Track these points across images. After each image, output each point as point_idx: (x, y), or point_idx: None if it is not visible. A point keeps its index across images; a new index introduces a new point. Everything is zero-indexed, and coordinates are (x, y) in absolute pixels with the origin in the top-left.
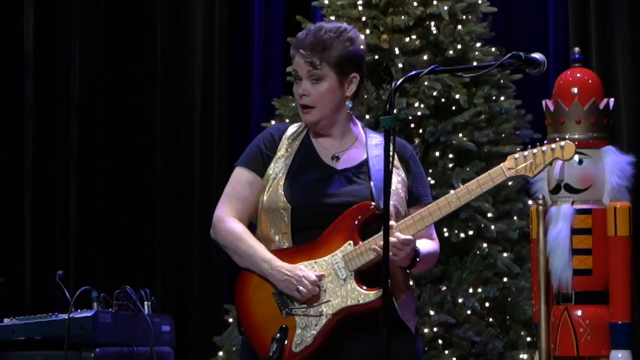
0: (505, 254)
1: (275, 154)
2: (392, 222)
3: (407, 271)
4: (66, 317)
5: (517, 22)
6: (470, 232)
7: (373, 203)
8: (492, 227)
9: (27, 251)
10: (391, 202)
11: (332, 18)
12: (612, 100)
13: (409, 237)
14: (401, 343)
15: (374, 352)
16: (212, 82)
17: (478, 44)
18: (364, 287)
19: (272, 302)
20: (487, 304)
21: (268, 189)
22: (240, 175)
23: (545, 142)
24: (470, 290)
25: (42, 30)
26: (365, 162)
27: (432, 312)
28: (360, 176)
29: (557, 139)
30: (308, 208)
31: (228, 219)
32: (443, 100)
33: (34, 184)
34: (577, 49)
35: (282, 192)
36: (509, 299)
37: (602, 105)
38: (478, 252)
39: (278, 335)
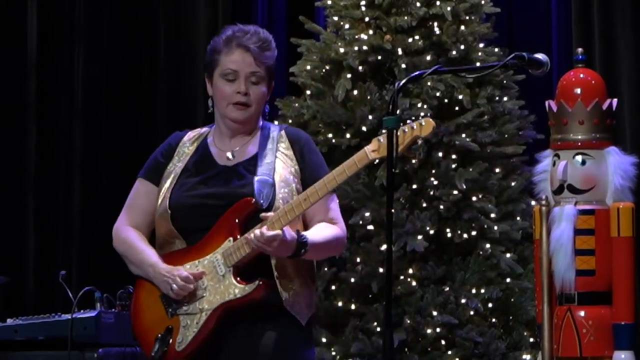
0: (508, 255)
1: (171, 160)
2: (269, 213)
3: (303, 260)
4: (69, 317)
5: (520, 23)
6: (473, 233)
7: (253, 199)
8: (495, 227)
9: (30, 251)
10: (279, 195)
11: (335, 18)
12: (615, 100)
13: (273, 233)
14: (287, 335)
15: (257, 344)
16: None
17: (481, 45)
18: (241, 281)
19: (160, 304)
20: (490, 305)
21: (161, 195)
22: (138, 186)
23: (409, 121)
24: (473, 291)
25: (46, 30)
26: (255, 156)
27: (435, 313)
28: (250, 169)
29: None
30: (188, 210)
31: (123, 229)
32: (446, 100)
33: (37, 183)
34: (580, 50)
35: (168, 196)
36: (512, 300)
37: (605, 106)
38: (481, 252)
39: (161, 334)
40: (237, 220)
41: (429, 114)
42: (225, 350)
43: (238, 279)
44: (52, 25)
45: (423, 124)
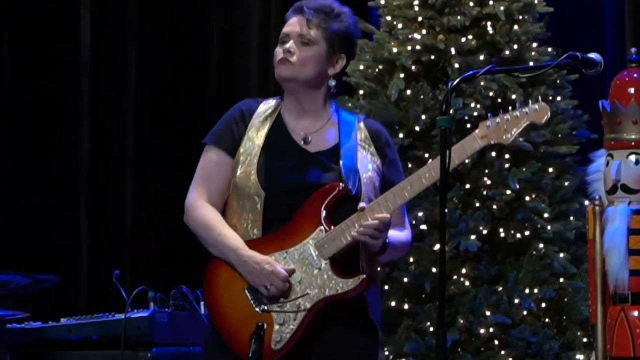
0: (561, 255)
1: (246, 132)
2: (363, 203)
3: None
4: (123, 316)
5: (573, 22)
6: (527, 233)
7: (341, 184)
8: (549, 227)
9: (83, 251)
10: (365, 193)
11: (389, 18)
12: None
13: (387, 215)
14: (367, 341)
15: (342, 347)
16: (268, 83)
17: (534, 44)
18: (342, 275)
19: (245, 298)
20: (543, 305)
21: (240, 171)
22: (210, 155)
23: (519, 105)
24: (527, 291)
25: (98, 29)
26: (337, 145)
27: (488, 313)
28: (334, 160)
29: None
30: (282, 197)
31: (199, 204)
32: (499, 100)
33: (90, 183)
34: (633, 49)
35: (256, 178)
36: (566, 300)
37: None
38: (534, 252)
39: (255, 333)
40: (326, 207)
41: (482, 114)
42: (316, 349)
43: (338, 272)
44: (104, 24)
45: (537, 109)
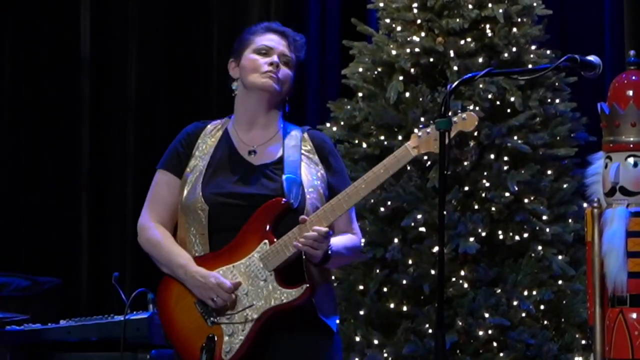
0: (560, 257)
1: (193, 153)
2: (304, 216)
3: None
4: (122, 318)
5: (572, 25)
6: (525, 235)
7: (283, 199)
8: (547, 229)
9: (83, 253)
10: (310, 201)
11: (387, 21)
12: None
13: (326, 228)
14: (321, 343)
15: (296, 352)
16: None
17: (533, 47)
18: (286, 285)
19: (196, 311)
20: (542, 307)
21: (186, 188)
22: (159, 178)
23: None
24: (525, 293)
25: (99, 29)
26: (281, 158)
27: (487, 315)
28: (277, 172)
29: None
30: (225, 208)
31: (149, 225)
32: (498, 102)
33: (90, 185)
34: (632, 52)
35: (200, 192)
36: (564, 302)
37: None
38: (533, 254)
39: (206, 345)
40: (269, 222)
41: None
42: (268, 356)
43: (282, 283)
44: (105, 24)
45: (465, 118)
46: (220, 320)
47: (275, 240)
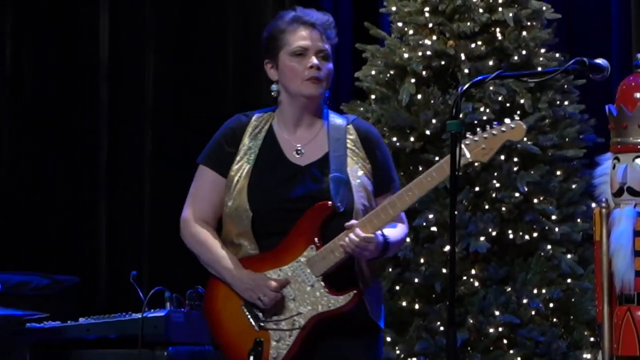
0: (569, 256)
1: (238, 151)
2: (352, 222)
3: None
4: (140, 316)
5: (580, 28)
6: (535, 234)
7: (329, 202)
8: (556, 229)
9: (102, 252)
10: (358, 201)
11: (400, 24)
12: None
13: (370, 235)
14: (368, 341)
15: (346, 355)
16: None
17: (542, 50)
18: (333, 292)
19: (243, 315)
20: (551, 305)
21: (233, 191)
22: (204, 175)
23: (496, 123)
24: (535, 291)
25: (117, 35)
26: (327, 154)
27: (497, 313)
28: (324, 171)
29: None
30: (271, 214)
31: (193, 223)
32: (508, 105)
33: (108, 185)
34: (639, 55)
35: (246, 197)
36: (573, 300)
37: None
38: (542, 253)
39: (254, 349)
40: (316, 226)
41: (491, 118)
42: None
43: (333, 291)
44: (122, 29)
45: (514, 127)
46: (268, 325)
47: (321, 245)
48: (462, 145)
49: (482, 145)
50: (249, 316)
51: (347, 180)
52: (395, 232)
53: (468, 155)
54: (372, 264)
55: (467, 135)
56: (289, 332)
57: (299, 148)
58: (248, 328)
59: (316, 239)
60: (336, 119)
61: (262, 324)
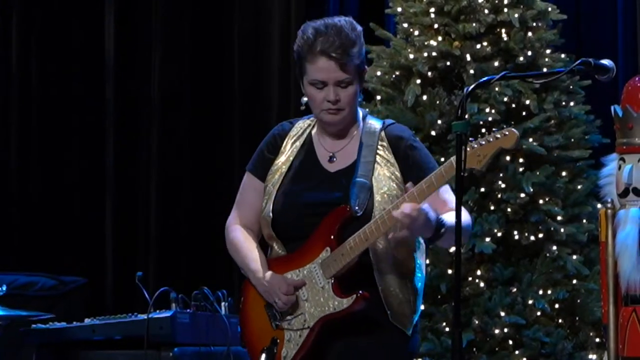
0: (574, 257)
1: (278, 155)
2: (408, 185)
3: (403, 262)
4: (146, 317)
5: (586, 29)
6: (540, 235)
7: (348, 207)
8: (562, 230)
9: (108, 253)
10: (379, 207)
11: (405, 25)
12: None
13: (415, 206)
14: (388, 342)
15: (358, 356)
16: (288, 89)
17: (548, 51)
18: (340, 294)
19: (265, 314)
20: (556, 305)
21: (266, 195)
22: (247, 181)
23: (495, 130)
24: (540, 292)
25: (123, 33)
26: (355, 162)
27: (502, 313)
28: (349, 177)
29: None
30: (290, 218)
31: (233, 228)
32: (514, 105)
33: (115, 186)
34: None
35: (272, 201)
36: (579, 301)
37: None
38: (548, 254)
39: (267, 347)
40: (334, 229)
41: (497, 119)
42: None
43: (337, 291)
44: (129, 26)
45: (507, 134)
46: (283, 324)
47: (336, 247)
48: (454, 156)
49: (477, 153)
50: (269, 315)
51: (370, 186)
52: (452, 216)
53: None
54: (397, 266)
55: (471, 140)
56: (299, 332)
57: (333, 155)
58: (267, 327)
59: (332, 242)
60: (372, 124)
61: (278, 323)
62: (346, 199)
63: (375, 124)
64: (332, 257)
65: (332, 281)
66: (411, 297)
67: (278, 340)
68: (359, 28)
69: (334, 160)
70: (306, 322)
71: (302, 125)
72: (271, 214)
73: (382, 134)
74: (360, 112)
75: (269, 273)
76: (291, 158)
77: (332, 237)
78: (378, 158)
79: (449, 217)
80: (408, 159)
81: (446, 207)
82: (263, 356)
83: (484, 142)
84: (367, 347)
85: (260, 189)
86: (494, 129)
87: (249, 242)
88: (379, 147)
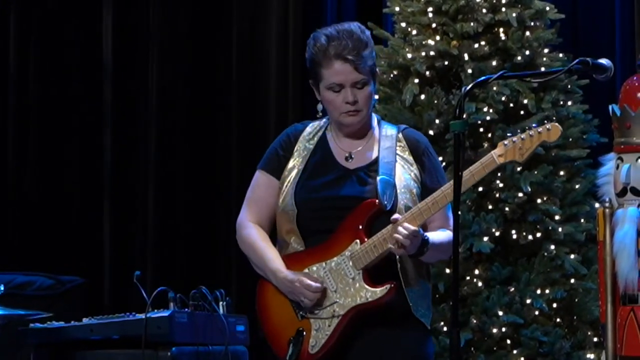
0: (572, 256)
1: (292, 154)
2: (397, 215)
3: (422, 262)
4: (143, 316)
5: (584, 28)
6: (538, 235)
7: (377, 200)
8: (560, 229)
9: (106, 253)
10: (402, 201)
11: (403, 25)
12: None
13: (415, 227)
14: (412, 338)
15: (384, 346)
16: (286, 89)
17: (546, 50)
18: (371, 284)
19: (289, 306)
20: (554, 305)
21: (284, 190)
22: (259, 179)
23: (535, 125)
24: (538, 291)
25: (121, 36)
26: (376, 159)
27: (500, 313)
28: (371, 174)
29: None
30: (315, 212)
31: (246, 225)
32: (511, 105)
33: (113, 186)
34: None
35: (292, 196)
36: (576, 300)
37: None
38: (546, 254)
39: (294, 338)
40: (362, 222)
41: (494, 118)
42: (354, 353)
43: (371, 284)
44: (127, 29)
45: (550, 129)
46: (309, 315)
47: (366, 240)
48: (498, 147)
49: (518, 146)
50: (294, 306)
51: (394, 183)
52: (440, 235)
53: (496, 157)
54: (417, 265)
55: (508, 136)
56: (329, 322)
57: (350, 154)
58: (293, 318)
59: (361, 234)
60: (388, 129)
61: (304, 313)
62: (374, 194)
63: (390, 128)
64: (362, 249)
65: (362, 272)
66: (426, 293)
67: (304, 332)
68: (368, 31)
69: (352, 159)
70: (335, 312)
71: (315, 126)
72: (295, 208)
73: (400, 135)
74: (375, 117)
75: (289, 274)
76: (307, 156)
77: (361, 230)
78: (398, 158)
79: (435, 235)
80: (424, 163)
81: (447, 222)
82: (290, 348)
83: (524, 137)
84: (394, 337)
85: (275, 186)
86: (533, 125)
87: (266, 241)
88: (397, 148)
